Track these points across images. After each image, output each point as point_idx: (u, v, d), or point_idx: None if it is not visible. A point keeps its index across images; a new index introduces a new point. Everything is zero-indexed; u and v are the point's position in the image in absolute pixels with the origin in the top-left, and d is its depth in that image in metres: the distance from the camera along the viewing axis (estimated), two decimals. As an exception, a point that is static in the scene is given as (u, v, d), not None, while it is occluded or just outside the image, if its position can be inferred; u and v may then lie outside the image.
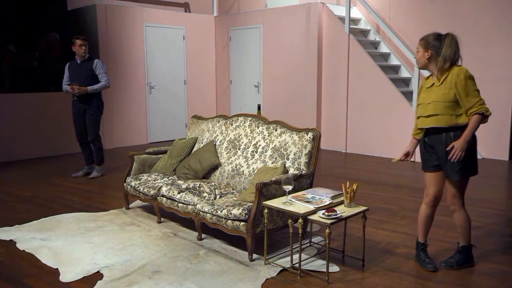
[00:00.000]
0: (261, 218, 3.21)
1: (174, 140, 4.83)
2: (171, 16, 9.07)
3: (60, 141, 7.63)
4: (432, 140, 3.07)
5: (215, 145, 4.30)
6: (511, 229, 4.01)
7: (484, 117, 2.92)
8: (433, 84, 3.04)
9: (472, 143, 2.97)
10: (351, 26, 7.74)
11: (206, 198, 3.70)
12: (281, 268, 3.12)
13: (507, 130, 6.79)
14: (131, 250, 3.49)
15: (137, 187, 4.22)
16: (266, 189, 3.21)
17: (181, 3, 9.83)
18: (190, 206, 3.66)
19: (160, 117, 9.02)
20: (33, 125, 7.41)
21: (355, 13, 8.41)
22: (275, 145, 3.78)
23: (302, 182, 3.48)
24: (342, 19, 7.79)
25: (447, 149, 2.95)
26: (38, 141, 7.47)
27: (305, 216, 2.93)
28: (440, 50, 2.95)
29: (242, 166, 3.95)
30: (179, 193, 3.79)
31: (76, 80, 5.72)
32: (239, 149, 4.07)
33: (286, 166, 3.59)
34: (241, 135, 4.12)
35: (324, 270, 3.01)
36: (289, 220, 3.04)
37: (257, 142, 3.95)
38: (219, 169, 4.15)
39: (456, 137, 2.95)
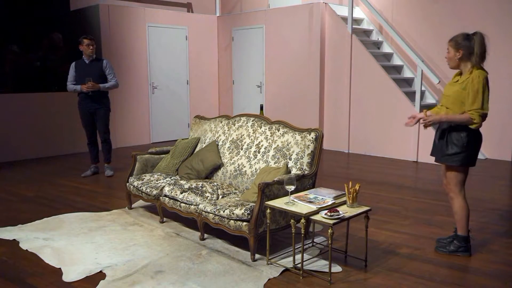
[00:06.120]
0: (263, 218, 3.21)
1: (176, 140, 4.83)
2: (173, 16, 9.08)
3: (63, 141, 7.65)
4: (440, 130, 3.28)
5: (217, 145, 4.30)
6: (514, 229, 4.01)
7: (471, 122, 3.08)
8: (458, 80, 3.21)
9: (469, 138, 3.13)
10: (353, 26, 7.73)
11: (208, 198, 3.70)
12: (284, 268, 3.12)
13: (510, 130, 6.77)
14: (133, 250, 3.50)
15: (140, 187, 4.22)
16: (269, 189, 3.21)
17: (184, 3, 9.84)
18: (192, 206, 3.67)
19: (162, 117, 9.03)
20: (36, 125, 7.43)
21: (358, 13, 8.40)
22: (278, 145, 3.78)
23: (304, 182, 3.47)
24: (344, 19, 7.79)
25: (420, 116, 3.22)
26: (41, 141, 7.49)
27: (307, 216, 2.93)
28: (472, 48, 3.07)
29: (244, 166, 3.95)
30: (181, 193, 3.79)
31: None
32: (241, 149, 4.07)
33: (288, 166, 3.58)
34: (243, 135, 4.12)
35: (327, 270, 3.01)
36: (292, 220, 3.04)
37: (259, 142, 3.95)
38: (222, 169, 4.15)
39: (452, 131, 3.17)
